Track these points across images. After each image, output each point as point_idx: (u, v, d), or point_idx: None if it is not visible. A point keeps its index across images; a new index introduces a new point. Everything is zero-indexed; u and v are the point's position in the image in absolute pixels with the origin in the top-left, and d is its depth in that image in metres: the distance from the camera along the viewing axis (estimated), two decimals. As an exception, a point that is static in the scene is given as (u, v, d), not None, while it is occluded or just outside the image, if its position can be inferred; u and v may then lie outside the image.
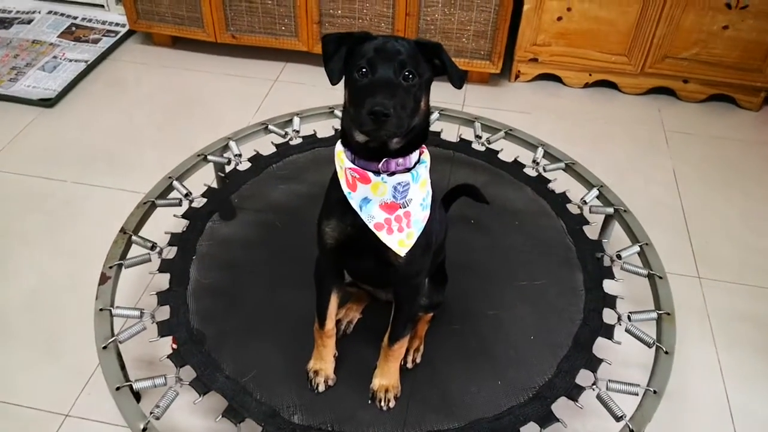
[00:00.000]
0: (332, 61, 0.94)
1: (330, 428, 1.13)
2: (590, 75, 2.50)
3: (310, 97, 2.38)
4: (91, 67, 2.43)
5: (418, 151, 0.99)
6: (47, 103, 2.24)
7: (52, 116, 2.24)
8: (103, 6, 2.71)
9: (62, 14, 2.70)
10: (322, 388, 1.18)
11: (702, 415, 1.45)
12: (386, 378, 1.18)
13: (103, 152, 2.11)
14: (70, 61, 2.45)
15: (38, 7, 2.72)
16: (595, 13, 2.31)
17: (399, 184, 0.96)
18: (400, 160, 0.96)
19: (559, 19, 2.34)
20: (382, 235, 0.99)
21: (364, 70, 0.90)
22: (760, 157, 2.23)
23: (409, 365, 1.24)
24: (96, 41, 2.56)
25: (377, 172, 0.96)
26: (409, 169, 0.97)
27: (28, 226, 1.83)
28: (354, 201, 0.98)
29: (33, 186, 1.96)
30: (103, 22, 2.66)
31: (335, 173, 1.02)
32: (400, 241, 0.99)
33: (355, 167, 0.97)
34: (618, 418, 1.16)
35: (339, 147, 1.01)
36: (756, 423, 1.44)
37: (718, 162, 2.20)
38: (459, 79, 0.97)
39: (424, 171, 1.00)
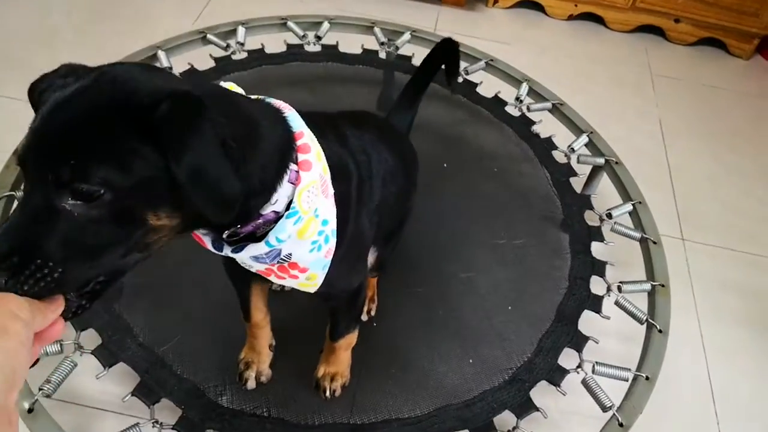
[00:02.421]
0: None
1: (266, 414, 0.92)
2: (576, 6, 2.25)
3: (264, 5, 2.05)
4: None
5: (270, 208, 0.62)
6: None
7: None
8: None
9: None
10: (251, 384, 0.96)
11: (682, 392, 1.31)
12: (333, 365, 0.98)
13: (7, 57, 1.76)
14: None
15: None
16: (589, -66, 2.05)
17: (256, 257, 0.65)
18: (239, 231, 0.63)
19: (549, -63, 2.07)
20: (274, 279, 0.70)
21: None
22: (750, 110, 2.07)
23: (364, 317, 1.03)
24: None
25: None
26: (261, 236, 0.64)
27: None
28: (206, 241, 0.67)
29: None
30: None
31: None
32: (300, 284, 0.71)
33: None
34: (605, 408, 1.00)
35: None
36: (737, 402, 1.32)
37: (706, 112, 2.03)
38: (212, 208, 0.52)
39: (288, 224, 0.62)
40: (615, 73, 2.11)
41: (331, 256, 0.68)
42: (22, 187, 1.01)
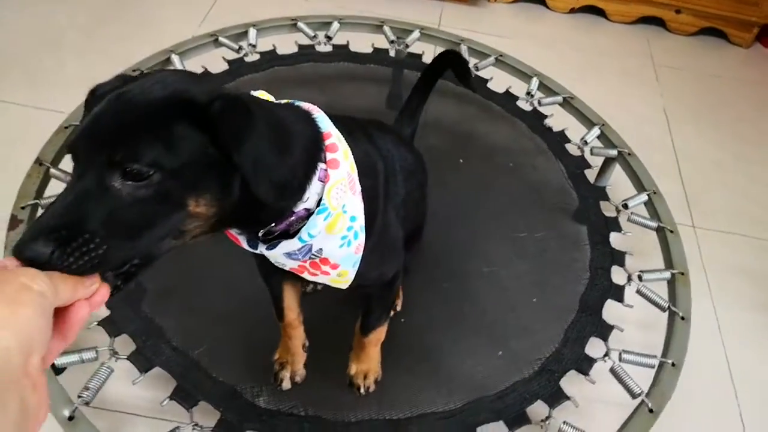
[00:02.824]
0: None
1: (303, 413, 0.94)
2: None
3: (269, 6, 2.05)
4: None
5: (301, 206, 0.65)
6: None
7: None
8: None
9: None
10: (287, 384, 0.97)
11: (702, 378, 1.33)
12: (365, 362, 0.99)
13: (14, 60, 1.76)
14: (-29, -52, 2.02)
15: None
16: (589, -73, 2.06)
17: (289, 253, 0.67)
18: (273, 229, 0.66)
19: (549, -69, 2.08)
20: (307, 276, 0.72)
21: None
22: (752, 97, 2.09)
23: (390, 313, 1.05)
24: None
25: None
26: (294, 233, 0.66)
27: None
28: (241, 239, 0.69)
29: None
30: None
31: None
32: (332, 280, 0.73)
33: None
34: (635, 395, 1.02)
35: None
36: (757, 386, 1.34)
37: (710, 101, 2.05)
38: (270, 192, 0.56)
39: (318, 220, 0.64)
40: (618, 64, 2.13)
41: (360, 252, 0.70)
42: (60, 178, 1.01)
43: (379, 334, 0.95)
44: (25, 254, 0.46)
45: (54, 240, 0.47)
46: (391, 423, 0.94)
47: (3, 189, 1.22)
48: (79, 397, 0.89)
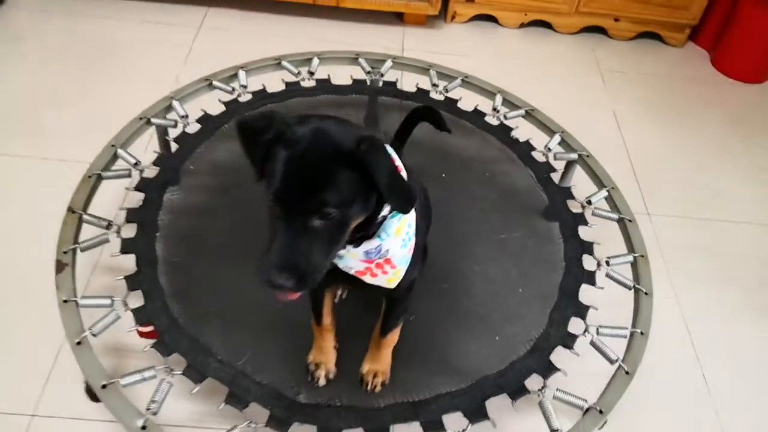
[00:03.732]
0: (251, 160, 0.81)
1: (339, 404, 1.10)
2: (525, 15, 2.48)
3: (242, 45, 2.22)
4: (-15, 18, 2.13)
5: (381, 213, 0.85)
6: (-63, 61, 1.95)
7: (-54, 78, 1.96)
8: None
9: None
10: (322, 381, 1.13)
11: (663, 347, 1.53)
12: (376, 363, 1.15)
13: (16, 117, 1.87)
14: (-44, 11, 2.13)
15: None
16: (531, -49, 2.27)
17: (368, 251, 0.87)
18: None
19: (496, -43, 2.29)
20: (367, 279, 0.91)
21: (271, 200, 0.76)
22: (689, 92, 2.34)
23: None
24: (-16, -14, 2.23)
25: None
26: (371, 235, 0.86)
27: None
28: None
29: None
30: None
31: None
32: (388, 279, 0.92)
33: None
34: (612, 362, 1.21)
35: None
36: (715, 348, 1.55)
37: (652, 98, 2.28)
38: (403, 204, 0.79)
39: (393, 222, 0.86)
40: (568, 72, 2.35)
41: (411, 253, 0.89)
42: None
43: (394, 336, 1.12)
44: (275, 285, 0.74)
45: (292, 273, 0.74)
46: (413, 404, 1.11)
47: (31, 235, 1.37)
48: (148, 409, 1.04)
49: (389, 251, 0.87)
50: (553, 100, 2.14)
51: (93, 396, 1.31)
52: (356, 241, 0.85)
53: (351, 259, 0.87)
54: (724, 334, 1.58)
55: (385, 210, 0.84)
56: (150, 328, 1.33)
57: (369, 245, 0.85)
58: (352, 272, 0.89)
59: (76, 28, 2.22)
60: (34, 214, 1.61)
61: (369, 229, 0.84)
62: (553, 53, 2.43)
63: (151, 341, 1.15)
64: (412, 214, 0.88)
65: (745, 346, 1.57)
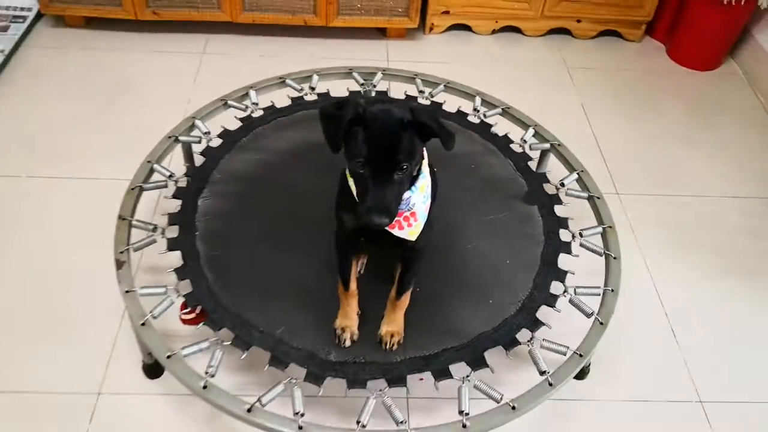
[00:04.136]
0: (332, 139, 1.05)
1: (363, 360, 1.32)
2: (496, 22, 2.73)
3: (242, 66, 2.45)
4: (8, 57, 2.34)
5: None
6: (-27, 98, 2.16)
7: (-21, 112, 2.17)
8: (2, -11, 2.57)
9: (-42, 1, 2.53)
10: (348, 343, 1.34)
11: (637, 309, 1.77)
12: (392, 325, 1.36)
13: (45, 144, 2.09)
14: (-18, 52, 2.34)
15: (-72, -5, 2.54)
16: (499, -34, 2.52)
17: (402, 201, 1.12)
18: None
19: (467, -27, 2.54)
20: (395, 231, 1.16)
21: (360, 164, 1.03)
22: (649, 82, 2.59)
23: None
24: (5, 29, 2.44)
25: None
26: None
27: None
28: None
29: (-15, 185, 1.94)
30: (7, 8, 2.53)
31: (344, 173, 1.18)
32: (410, 232, 1.17)
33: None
34: (588, 315, 1.44)
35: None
36: (683, 307, 1.79)
37: (615, 91, 2.53)
38: (450, 139, 1.07)
39: (420, 180, 1.14)
40: (538, 72, 2.60)
41: (428, 210, 1.16)
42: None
43: (406, 298, 1.35)
44: (379, 223, 1.02)
45: (384, 212, 1.03)
46: (424, 358, 1.33)
47: (76, 240, 1.61)
48: (206, 372, 1.25)
49: (415, 204, 1.13)
50: (527, 98, 2.38)
51: (150, 373, 1.54)
52: None
53: None
54: (689, 293, 1.83)
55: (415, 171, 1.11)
56: (192, 315, 1.56)
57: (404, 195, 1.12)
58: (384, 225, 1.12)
59: (90, 61, 2.43)
60: (74, 224, 1.83)
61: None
62: (523, 55, 2.68)
63: (201, 322, 1.37)
64: (428, 179, 1.15)
65: (707, 302, 1.81)
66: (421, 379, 1.52)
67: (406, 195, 1.11)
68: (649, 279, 1.85)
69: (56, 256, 1.76)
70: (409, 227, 1.16)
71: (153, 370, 1.54)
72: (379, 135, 1.02)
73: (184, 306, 1.56)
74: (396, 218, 1.12)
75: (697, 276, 1.87)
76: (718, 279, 1.87)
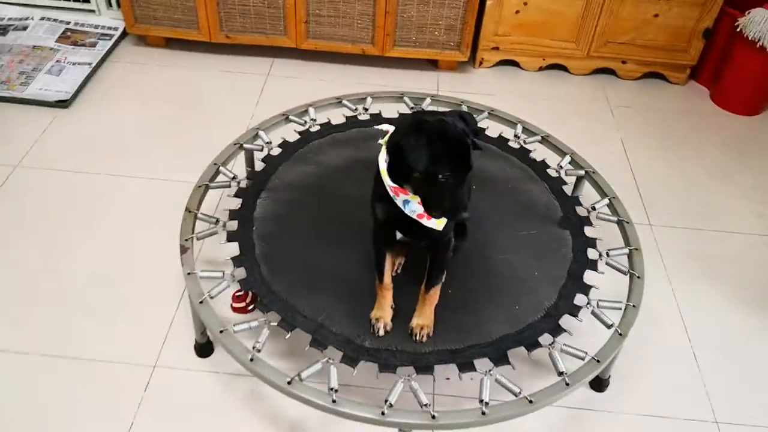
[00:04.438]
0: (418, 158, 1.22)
1: (394, 348, 1.44)
2: (544, 60, 2.88)
3: (302, 88, 2.65)
4: (95, 69, 2.61)
5: None
6: (64, 104, 2.42)
7: (69, 116, 2.42)
8: (93, 11, 2.86)
9: (55, 20, 2.83)
10: (381, 333, 1.47)
11: (660, 331, 1.85)
12: (422, 318, 1.49)
13: (126, 146, 2.32)
14: (74, 64, 2.61)
15: (31, 13, 2.84)
16: (547, 6, 2.68)
17: None
18: None
19: (517, 12, 2.70)
20: (423, 221, 1.30)
21: (441, 177, 1.22)
22: (689, 124, 2.68)
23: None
24: (93, 45, 2.72)
25: None
26: None
27: (77, 214, 2.05)
28: (398, 201, 1.29)
29: (70, 179, 2.17)
30: (96, 27, 2.82)
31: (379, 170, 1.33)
32: (439, 221, 1.31)
33: (395, 186, 1.29)
34: (609, 326, 1.53)
35: (383, 167, 1.31)
36: (706, 333, 1.85)
37: (656, 129, 2.63)
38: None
39: None
40: (581, 107, 2.72)
41: None
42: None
43: (436, 293, 1.47)
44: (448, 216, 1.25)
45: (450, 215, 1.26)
46: (451, 351, 1.45)
47: (143, 232, 1.79)
48: (253, 347, 1.40)
49: None
50: (568, 130, 2.51)
51: (200, 352, 1.70)
52: None
53: (414, 203, 1.27)
54: (712, 321, 1.89)
55: None
56: (242, 304, 1.73)
57: None
58: (414, 215, 1.27)
59: (166, 77, 2.68)
60: (142, 218, 2.03)
61: None
62: (568, 92, 2.80)
63: (249, 311, 1.53)
64: None
65: (730, 330, 1.87)
66: (448, 378, 1.66)
67: None
68: (674, 304, 1.92)
69: (126, 245, 1.96)
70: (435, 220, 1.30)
71: (204, 349, 1.70)
72: (458, 151, 1.22)
73: (235, 297, 1.74)
74: (423, 209, 1.29)
75: (722, 305, 1.93)
76: (742, 310, 1.92)
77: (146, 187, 2.16)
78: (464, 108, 2.14)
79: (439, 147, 1.19)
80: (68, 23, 2.83)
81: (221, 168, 1.83)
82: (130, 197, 2.12)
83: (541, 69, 2.91)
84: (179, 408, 1.59)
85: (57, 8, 2.88)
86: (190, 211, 1.70)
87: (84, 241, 1.97)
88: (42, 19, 2.84)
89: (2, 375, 1.61)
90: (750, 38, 2.51)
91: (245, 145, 1.92)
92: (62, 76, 2.55)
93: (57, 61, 2.63)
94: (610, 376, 1.69)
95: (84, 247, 1.95)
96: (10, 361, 1.64)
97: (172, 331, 1.74)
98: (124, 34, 2.82)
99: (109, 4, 2.84)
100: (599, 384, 1.69)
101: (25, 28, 2.78)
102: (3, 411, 1.54)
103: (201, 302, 1.48)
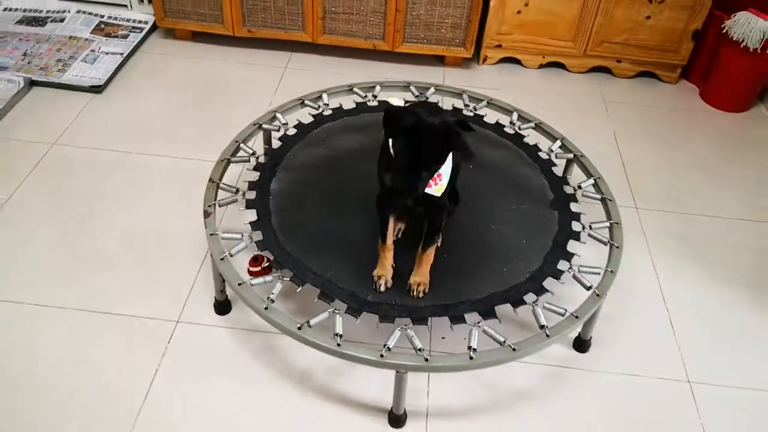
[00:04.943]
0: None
1: (394, 302, 1.62)
2: (543, 57, 3.05)
3: (317, 80, 2.84)
4: (126, 59, 2.83)
5: None
6: (97, 89, 2.63)
7: (102, 101, 2.63)
8: (126, 6, 3.08)
9: (90, 13, 3.05)
10: (383, 288, 1.65)
11: (641, 301, 2.01)
12: (419, 276, 1.66)
13: (154, 129, 2.52)
14: (107, 54, 2.83)
15: (68, 6, 3.07)
16: (547, 7, 2.86)
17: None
18: None
19: (519, 12, 2.89)
20: (430, 189, 1.49)
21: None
22: (679, 119, 2.84)
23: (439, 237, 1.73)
24: (125, 36, 2.94)
25: None
26: None
27: (110, 188, 2.25)
28: None
29: (103, 156, 2.37)
30: (128, 20, 3.04)
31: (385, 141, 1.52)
32: (437, 189, 1.50)
33: None
34: (587, 288, 1.70)
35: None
36: (682, 303, 2.02)
37: (647, 124, 2.79)
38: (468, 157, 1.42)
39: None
40: (578, 102, 2.89)
41: (449, 174, 1.49)
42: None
43: (431, 254, 1.64)
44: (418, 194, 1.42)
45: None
46: (444, 306, 1.62)
47: (170, 205, 1.98)
48: (268, 298, 1.59)
49: (442, 171, 1.47)
50: (564, 122, 2.67)
51: (219, 310, 1.88)
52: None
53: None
54: (689, 293, 2.05)
55: None
56: (258, 268, 1.91)
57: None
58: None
59: (192, 67, 2.89)
60: (168, 192, 2.23)
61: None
62: (565, 88, 2.98)
63: (265, 275, 1.71)
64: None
65: (706, 302, 2.03)
66: (444, 338, 1.83)
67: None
68: (654, 277, 2.09)
69: (154, 215, 2.16)
70: (435, 186, 1.48)
71: (222, 306, 1.88)
72: (421, 146, 1.38)
73: (252, 261, 1.92)
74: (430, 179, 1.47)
75: (699, 279, 2.10)
76: (719, 285, 2.08)
77: (172, 165, 2.36)
78: (465, 97, 2.33)
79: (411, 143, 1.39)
80: (102, 16, 3.05)
81: (242, 145, 2.03)
82: (158, 173, 2.32)
83: (541, 66, 3.09)
84: (198, 358, 1.77)
85: (92, 2, 3.10)
86: (213, 182, 1.89)
87: (116, 211, 2.17)
88: (78, 12, 3.06)
89: (43, 327, 1.80)
90: (735, 39, 2.68)
91: (264, 125, 2.11)
92: (96, 64, 2.76)
93: (91, 50, 2.84)
94: (591, 338, 1.86)
95: (116, 217, 2.15)
96: (51, 314, 1.84)
97: (193, 291, 1.93)
98: (153, 28, 3.03)
99: (141, 0, 3.05)
100: (581, 345, 1.86)
101: (62, 20, 3.00)
102: (44, 360, 1.73)
103: (222, 259, 1.67)
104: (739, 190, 2.48)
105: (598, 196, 1.99)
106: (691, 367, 1.84)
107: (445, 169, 1.49)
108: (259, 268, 1.93)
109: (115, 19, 3.04)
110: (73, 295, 1.89)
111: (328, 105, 2.24)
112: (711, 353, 1.88)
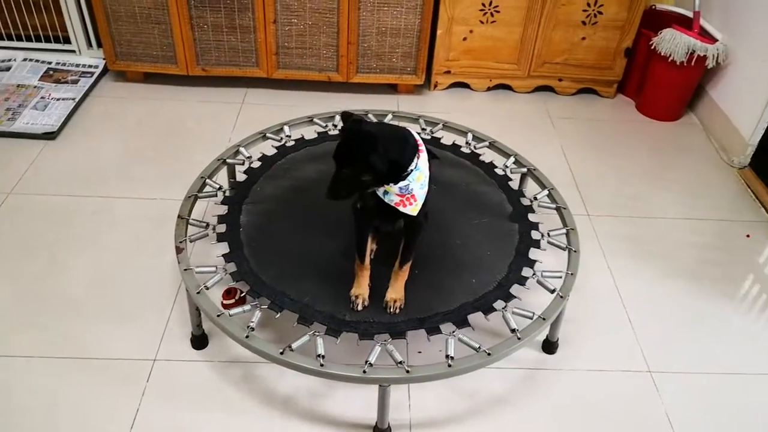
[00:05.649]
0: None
1: (371, 320, 1.68)
2: (490, 80, 3.20)
3: (275, 114, 2.90)
4: (78, 104, 2.83)
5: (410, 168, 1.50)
6: (50, 136, 2.63)
7: (57, 147, 2.63)
8: (74, 51, 3.08)
9: (37, 60, 3.04)
10: (360, 307, 1.70)
11: (600, 301, 2.13)
12: (395, 293, 1.73)
13: (112, 172, 2.53)
14: (58, 99, 2.82)
15: (13, 55, 3.05)
16: (490, 34, 3.01)
17: (401, 187, 1.51)
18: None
19: (465, 39, 3.03)
20: (400, 208, 1.56)
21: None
22: (619, 130, 3.02)
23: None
24: (75, 82, 2.94)
25: None
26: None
27: (71, 233, 2.24)
28: (379, 192, 1.54)
29: (61, 202, 2.36)
30: (77, 65, 3.04)
31: None
32: (411, 209, 1.57)
33: None
34: (551, 291, 1.80)
35: None
36: (638, 299, 2.14)
37: (591, 136, 2.96)
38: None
39: (415, 173, 1.50)
40: (526, 120, 3.03)
41: (425, 195, 1.55)
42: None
43: (406, 270, 1.71)
44: (335, 199, 1.46)
45: (342, 196, 1.47)
46: (420, 319, 1.69)
47: (135, 245, 1.98)
48: (248, 326, 1.62)
49: (413, 190, 1.52)
50: (515, 140, 2.82)
51: (196, 345, 1.90)
52: (397, 182, 1.51)
53: (392, 194, 1.52)
54: (642, 288, 2.18)
55: (411, 167, 1.49)
56: (232, 301, 1.94)
57: (402, 183, 1.50)
58: (393, 203, 1.53)
59: (147, 109, 2.91)
60: (133, 232, 2.24)
61: (403, 177, 1.50)
62: (513, 107, 3.13)
63: (239, 307, 1.74)
64: (426, 172, 1.55)
65: (657, 294, 2.16)
66: (420, 352, 1.89)
67: (403, 184, 1.51)
68: (610, 277, 2.21)
69: (122, 256, 2.16)
70: (410, 206, 1.55)
71: (200, 341, 1.90)
72: (343, 144, 1.49)
73: (225, 294, 1.95)
74: (401, 199, 1.54)
75: (650, 275, 2.23)
76: (667, 278, 2.23)
77: (132, 205, 2.36)
78: (422, 121, 2.43)
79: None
80: (50, 63, 3.05)
81: (207, 180, 2.06)
82: (119, 215, 2.32)
83: (489, 89, 3.23)
84: (180, 394, 1.77)
85: (38, 50, 3.09)
86: (182, 218, 1.92)
87: (79, 255, 2.15)
88: (24, 60, 3.05)
89: (14, 378, 1.77)
90: (663, 54, 2.88)
91: (228, 160, 2.16)
92: (47, 111, 2.76)
93: (41, 97, 2.83)
94: (558, 339, 1.95)
95: (80, 261, 2.13)
96: (20, 365, 1.80)
97: (168, 328, 1.94)
98: (105, 71, 3.04)
99: (89, 45, 3.06)
100: (549, 347, 1.95)
101: (8, 69, 2.98)
102: (12, 412, 1.69)
103: (198, 293, 1.70)
104: (677, 192, 2.65)
105: (554, 206, 2.11)
106: (651, 358, 1.95)
107: (418, 190, 1.54)
108: (232, 301, 1.95)
109: (64, 65, 3.04)
110: (44, 343, 1.86)
111: (290, 136, 2.31)
112: (667, 343, 2.00)
